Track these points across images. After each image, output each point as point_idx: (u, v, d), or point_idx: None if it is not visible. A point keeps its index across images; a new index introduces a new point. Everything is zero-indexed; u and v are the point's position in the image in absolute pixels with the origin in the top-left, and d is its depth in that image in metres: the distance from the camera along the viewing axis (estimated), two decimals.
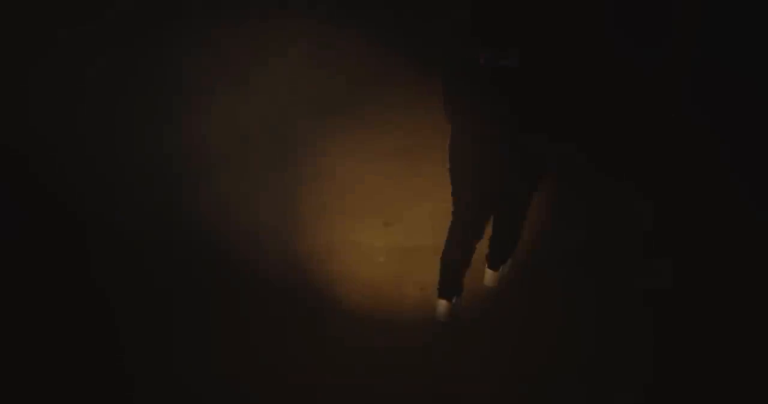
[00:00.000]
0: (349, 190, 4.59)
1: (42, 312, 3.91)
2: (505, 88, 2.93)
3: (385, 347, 3.88)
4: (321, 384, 3.74)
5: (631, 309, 3.97)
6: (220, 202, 4.48)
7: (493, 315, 4.01)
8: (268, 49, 5.18)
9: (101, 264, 4.18)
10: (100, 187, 4.54)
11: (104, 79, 4.86)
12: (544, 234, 4.31)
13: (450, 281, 3.48)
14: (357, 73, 5.11)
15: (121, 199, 4.50)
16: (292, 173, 4.65)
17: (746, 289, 3.93)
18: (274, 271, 4.16)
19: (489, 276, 3.71)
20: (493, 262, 3.61)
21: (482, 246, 3.74)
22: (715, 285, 3.98)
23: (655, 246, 4.18)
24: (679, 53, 4.39)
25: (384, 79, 5.15)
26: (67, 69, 4.81)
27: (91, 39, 4.91)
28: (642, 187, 4.44)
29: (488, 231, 3.65)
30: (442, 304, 3.48)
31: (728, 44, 4.25)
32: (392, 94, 5.08)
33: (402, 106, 5.04)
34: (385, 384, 3.74)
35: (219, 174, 4.60)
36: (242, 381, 3.75)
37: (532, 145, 3.09)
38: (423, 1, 5.04)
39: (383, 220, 4.43)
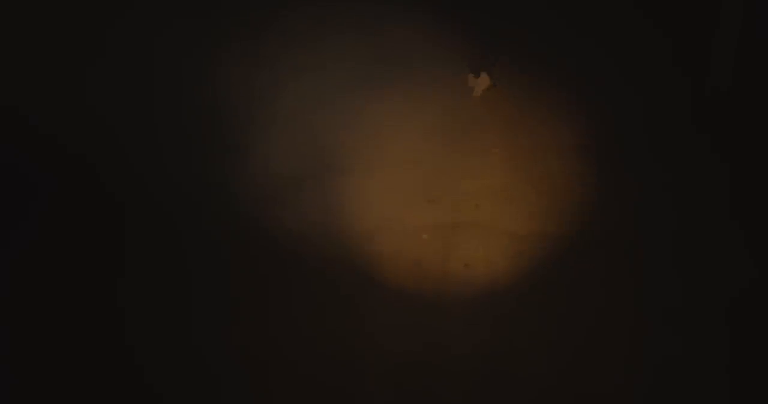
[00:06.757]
0: (391, 166, 4.57)
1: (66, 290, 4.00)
2: None
3: (429, 328, 3.89)
4: (351, 369, 3.77)
5: (709, 311, 3.89)
6: (257, 179, 4.49)
7: (542, 289, 4.02)
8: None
9: (132, 235, 4.21)
10: (137, 160, 4.53)
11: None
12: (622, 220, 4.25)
13: None
14: (398, 48, 5.09)
15: (158, 168, 4.49)
16: None
17: None
18: (314, 249, 4.16)
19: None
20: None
21: None
22: None
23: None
24: None
25: (427, 53, 5.11)
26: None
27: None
28: None
29: None
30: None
31: None
32: (434, 67, 5.04)
33: (443, 81, 5.01)
34: (421, 372, 3.76)
35: (258, 150, 4.62)
36: (262, 359, 3.80)
37: None
38: None
39: (426, 197, 4.42)
